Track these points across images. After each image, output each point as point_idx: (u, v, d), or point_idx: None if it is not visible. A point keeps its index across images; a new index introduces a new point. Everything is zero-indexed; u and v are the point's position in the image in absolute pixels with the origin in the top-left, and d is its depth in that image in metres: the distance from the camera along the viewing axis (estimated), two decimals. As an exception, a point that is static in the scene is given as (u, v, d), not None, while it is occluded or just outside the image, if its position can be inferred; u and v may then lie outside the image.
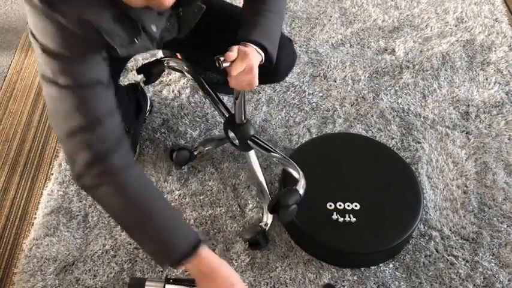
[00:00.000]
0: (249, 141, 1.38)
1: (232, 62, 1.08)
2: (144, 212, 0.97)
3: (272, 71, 1.35)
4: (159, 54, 1.77)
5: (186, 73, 1.58)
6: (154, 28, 1.02)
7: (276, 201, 1.21)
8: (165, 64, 1.52)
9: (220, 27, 1.22)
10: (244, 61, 1.08)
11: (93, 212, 1.44)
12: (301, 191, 1.21)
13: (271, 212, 1.24)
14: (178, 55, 1.66)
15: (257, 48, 1.11)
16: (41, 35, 0.89)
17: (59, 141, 1.10)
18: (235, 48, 1.08)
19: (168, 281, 1.09)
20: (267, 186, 1.46)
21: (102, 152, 0.93)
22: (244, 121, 1.36)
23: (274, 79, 1.49)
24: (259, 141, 1.38)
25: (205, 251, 0.98)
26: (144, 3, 0.87)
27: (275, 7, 1.19)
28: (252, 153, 1.45)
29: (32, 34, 0.90)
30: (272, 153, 1.37)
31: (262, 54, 1.12)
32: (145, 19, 0.99)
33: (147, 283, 1.10)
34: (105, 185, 0.94)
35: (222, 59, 1.07)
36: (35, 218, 1.44)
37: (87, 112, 0.92)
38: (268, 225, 1.38)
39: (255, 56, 1.10)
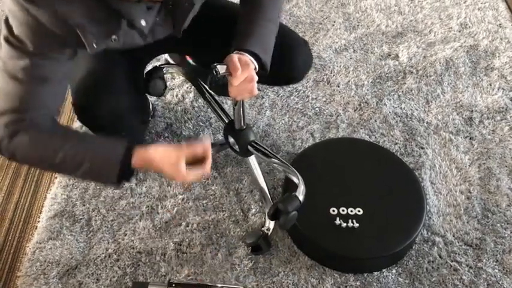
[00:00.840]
0: (249, 147, 1.38)
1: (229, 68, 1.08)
2: (72, 138, 1.03)
3: (289, 73, 1.36)
4: (165, 57, 1.77)
5: (185, 77, 1.59)
6: (143, 23, 1.01)
7: (276, 207, 1.21)
8: (164, 71, 1.52)
9: (223, 28, 1.21)
10: (246, 71, 1.08)
11: (96, 216, 1.45)
12: (301, 197, 1.21)
13: (271, 219, 1.24)
14: (189, 58, 1.67)
15: (251, 57, 1.11)
16: (13, 22, 0.91)
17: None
18: (235, 56, 1.08)
19: (170, 285, 1.10)
20: (270, 191, 1.46)
21: (22, 107, 0.96)
22: (244, 127, 1.36)
23: (292, 81, 1.50)
24: (259, 147, 1.38)
25: (137, 148, 1.02)
26: None
27: (270, 15, 1.19)
28: (252, 159, 1.46)
29: (6, 19, 0.93)
30: (272, 159, 1.37)
31: (256, 63, 1.12)
32: (135, 13, 0.98)
33: (149, 287, 1.10)
34: (22, 131, 0.97)
35: (219, 67, 1.07)
36: (38, 221, 1.44)
37: (21, 100, 0.96)
38: (271, 230, 1.38)
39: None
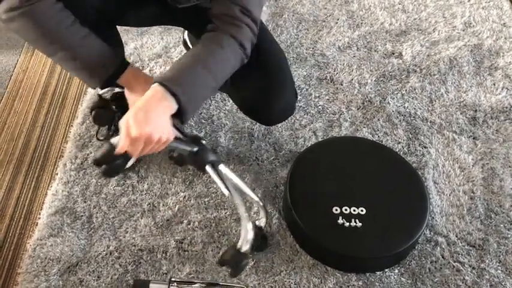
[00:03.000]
0: (207, 167, 1.21)
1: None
2: (77, 33, 1.09)
3: (266, 117, 1.40)
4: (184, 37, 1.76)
5: None
6: None
7: (222, 261, 1.17)
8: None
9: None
10: (128, 136, 0.96)
11: (97, 213, 1.44)
12: (245, 248, 1.15)
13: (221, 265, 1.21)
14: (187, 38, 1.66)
15: (169, 96, 1.00)
16: None
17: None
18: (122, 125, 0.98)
19: (172, 282, 1.09)
20: (273, 189, 1.45)
21: None
22: (195, 149, 1.17)
23: (270, 123, 1.52)
24: (221, 172, 1.22)
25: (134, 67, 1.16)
26: None
27: (212, 65, 1.09)
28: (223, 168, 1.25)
29: None
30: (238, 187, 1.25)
31: (175, 106, 1.01)
32: None
33: (151, 285, 1.09)
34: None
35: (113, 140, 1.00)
36: (39, 218, 1.44)
37: None
38: (263, 226, 1.34)
39: (163, 105, 0.99)
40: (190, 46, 1.75)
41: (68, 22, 1.07)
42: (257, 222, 1.35)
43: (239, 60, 1.14)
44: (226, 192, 1.17)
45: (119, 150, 0.98)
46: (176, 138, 1.08)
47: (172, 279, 1.14)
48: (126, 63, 1.17)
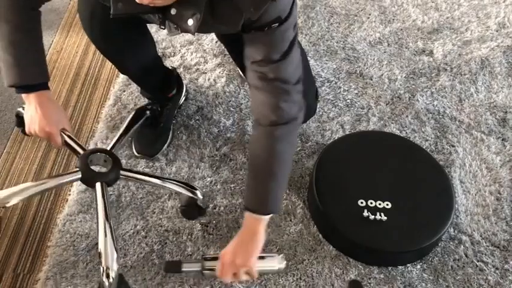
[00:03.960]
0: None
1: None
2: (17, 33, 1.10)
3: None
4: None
5: None
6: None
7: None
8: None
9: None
10: (229, 272, 1.10)
11: (126, 192, 1.47)
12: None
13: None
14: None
15: (263, 217, 1.13)
16: None
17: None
18: (225, 263, 1.10)
19: (205, 260, 1.13)
20: (298, 179, 1.47)
21: None
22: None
23: None
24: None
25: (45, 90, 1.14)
26: None
27: (276, 171, 1.14)
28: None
29: None
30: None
31: (267, 217, 1.14)
32: None
33: (184, 265, 1.12)
34: None
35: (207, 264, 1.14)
36: (69, 194, 1.47)
37: None
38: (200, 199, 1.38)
39: (261, 224, 1.13)
40: None
41: (27, 16, 1.11)
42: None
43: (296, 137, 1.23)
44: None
45: (220, 275, 1.11)
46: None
47: (204, 256, 1.17)
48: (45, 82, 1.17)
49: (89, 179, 1.22)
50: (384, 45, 1.90)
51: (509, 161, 1.57)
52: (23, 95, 1.15)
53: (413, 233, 1.33)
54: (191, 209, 1.40)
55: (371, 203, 1.36)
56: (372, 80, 1.78)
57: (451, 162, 1.56)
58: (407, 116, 1.67)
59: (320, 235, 1.40)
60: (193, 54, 1.84)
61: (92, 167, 1.23)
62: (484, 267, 1.34)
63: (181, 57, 1.84)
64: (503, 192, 1.49)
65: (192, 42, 1.88)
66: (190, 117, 1.66)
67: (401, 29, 1.96)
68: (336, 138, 1.59)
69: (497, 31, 1.96)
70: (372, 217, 1.33)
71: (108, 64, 1.84)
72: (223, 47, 1.79)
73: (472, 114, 1.69)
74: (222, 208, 1.45)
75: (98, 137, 1.60)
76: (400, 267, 1.34)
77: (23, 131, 1.21)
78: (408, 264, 1.35)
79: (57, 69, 1.84)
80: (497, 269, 1.34)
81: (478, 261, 1.35)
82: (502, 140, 1.62)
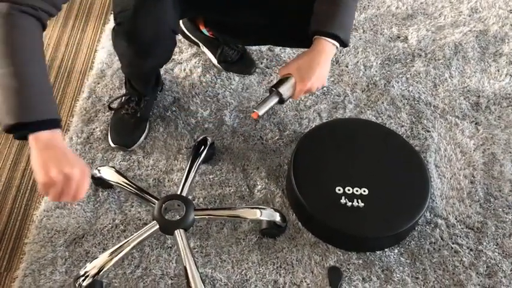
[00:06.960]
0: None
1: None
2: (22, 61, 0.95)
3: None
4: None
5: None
6: None
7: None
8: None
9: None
10: (305, 88, 1.21)
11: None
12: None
13: None
14: (201, 25, 1.67)
15: (332, 40, 1.18)
16: None
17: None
18: (300, 89, 1.21)
19: (276, 87, 1.25)
20: (277, 168, 1.48)
21: None
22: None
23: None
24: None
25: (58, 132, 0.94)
26: None
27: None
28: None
29: None
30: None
31: (337, 44, 1.19)
32: None
33: (260, 108, 1.26)
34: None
35: (283, 92, 1.22)
36: (45, 190, 1.45)
37: None
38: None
39: (329, 49, 1.18)
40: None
41: (35, 46, 1.01)
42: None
43: None
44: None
45: (297, 93, 1.23)
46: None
47: (272, 87, 1.27)
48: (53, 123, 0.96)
49: (167, 229, 1.25)
50: (359, 32, 1.91)
51: (482, 144, 1.60)
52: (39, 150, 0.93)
53: (390, 219, 1.35)
54: (273, 230, 1.36)
55: (348, 190, 1.38)
56: (347, 67, 1.79)
57: (426, 147, 1.58)
58: (382, 103, 1.69)
59: (299, 223, 1.41)
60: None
61: (166, 216, 1.25)
62: (459, 249, 1.37)
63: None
64: (476, 175, 1.53)
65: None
66: (166, 108, 1.64)
67: (376, 16, 1.97)
68: (313, 126, 1.60)
69: (469, 16, 1.99)
70: (349, 204, 1.35)
71: (82, 56, 1.81)
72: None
73: (446, 99, 1.72)
74: (201, 199, 1.44)
75: (73, 131, 1.57)
76: (378, 252, 1.37)
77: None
78: (386, 249, 1.37)
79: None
80: (471, 250, 1.37)
81: (453, 243, 1.39)
82: (476, 124, 1.65)
